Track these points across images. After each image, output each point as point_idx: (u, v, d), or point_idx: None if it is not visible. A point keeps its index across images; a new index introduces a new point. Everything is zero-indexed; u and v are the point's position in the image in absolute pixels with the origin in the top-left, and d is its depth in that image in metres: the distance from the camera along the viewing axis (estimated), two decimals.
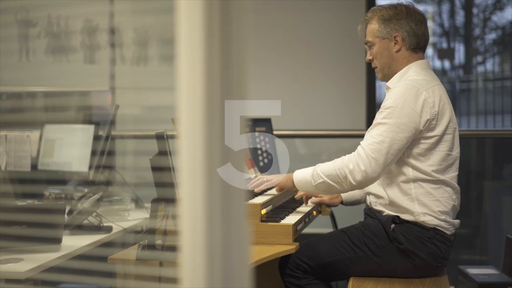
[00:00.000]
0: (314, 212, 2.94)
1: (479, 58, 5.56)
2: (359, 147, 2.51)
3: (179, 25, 0.92)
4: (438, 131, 2.50)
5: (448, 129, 2.52)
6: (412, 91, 2.48)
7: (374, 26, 2.63)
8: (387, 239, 2.54)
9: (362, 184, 2.49)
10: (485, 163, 4.97)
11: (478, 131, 5.00)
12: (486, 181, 4.83)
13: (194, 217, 0.92)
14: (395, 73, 2.63)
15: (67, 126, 3.71)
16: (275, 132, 4.08)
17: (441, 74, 5.53)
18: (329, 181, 2.51)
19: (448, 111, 2.52)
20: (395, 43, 2.61)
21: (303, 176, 2.60)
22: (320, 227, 3.63)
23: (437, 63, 5.63)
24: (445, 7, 5.68)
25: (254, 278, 2.92)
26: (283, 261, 2.65)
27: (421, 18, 2.64)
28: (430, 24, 5.79)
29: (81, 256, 2.53)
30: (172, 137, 2.52)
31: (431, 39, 5.71)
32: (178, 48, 0.93)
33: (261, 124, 3.50)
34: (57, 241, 2.46)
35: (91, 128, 3.52)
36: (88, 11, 4.26)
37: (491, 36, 5.51)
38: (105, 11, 4.29)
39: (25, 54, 4.24)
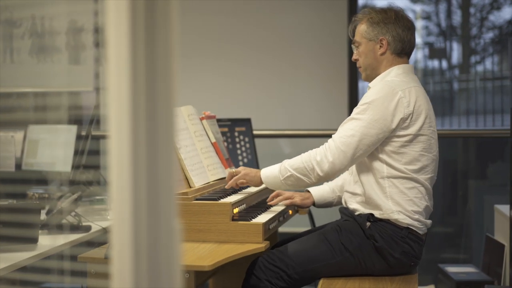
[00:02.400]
0: (290, 212, 2.96)
1: (476, 58, 5.58)
2: (329, 140, 2.58)
3: (107, 27, 0.95)
4: (412, 130, 2.54)
5: (423, 130, 2.56)
6: (388, 90, 2.55)
7: (363, 27, 2.71)
8: (363, 236, 2.57)
9: (329, 175, 2.56)
10: (471, 162, 5.00)
11: (463, 131, 5.02)
12: (470, 180, 4.85)
13: (121, 214, 0.94)
14: (378, 75, 2.69)
15: (50, 127, 3.73)
16: (258, 132, 4.11)
17: (438, 73, 5.56)
18: (296, 174, 2.57)
19: (424, 113, 2.56)
20: (380, 46, 2.67)
21: (270, 172, 2.65)
22: (299, 226, 3.65)
23: (435, 63, 5.65)
24: (442, 7, 5.69)
25: (224, 278, 2.92)
26: (251, 270, 2.60)
27: (408, 25, 2.70)
28: (427, 24, 5.82)
29: (57, 256, 2.54)
30: None
31: (429, 39, 5.72)
32: (107, 49, 0.95)
33: (241, 124, 3.52)
34: (33, 240, 2.48)
35: (73, 129, 3.55)
36: (73, 10, 4.28)
37: (488, 36, 5.54)
38: (90, 10, 4.30)
39: (9, 54, 4.25)
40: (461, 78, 5.48)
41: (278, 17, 4.51)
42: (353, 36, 2.75)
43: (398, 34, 2.66)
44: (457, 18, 5.63)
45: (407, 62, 2.72)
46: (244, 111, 4.07)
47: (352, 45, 2.76)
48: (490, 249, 3.59)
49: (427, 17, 5.68)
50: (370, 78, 2.72)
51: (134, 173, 0.93)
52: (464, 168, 4.98)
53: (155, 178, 0.95)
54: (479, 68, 5.50)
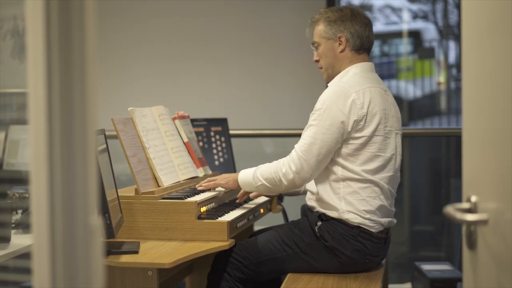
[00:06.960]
0: (262, 210, 2.99)
1: None
2: (293, 150, 2.59)
3: (28, 31, 0.98)
4: (366, 132, 2.55)
5: (378, 131, 2.56)
6: (341, 92, 2.55)
7: (320, 27, 2.73)
8: (314, 236, 2.61)
9: (296, 185, 2.58)
10: (453, 161, 5.03)
11: (446, 130, 5.05)
12: (452, 179, 4.89)
13: (39, 213, 0.97)
14: (338, 73, 2.70)
15: None
16: (237, 132, 4.13)
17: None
18: (266, 183, 2.61)
19: (379, 114, 2.57)
20: (339, 43, 2.69)
21: (246, 177, 2.68)
22: (274, 224, 3.67)
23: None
24: (439, 6, 5.71)
25: (197, 275, 2.94)
26: (216, 262, 2.69)
27: (366, 21, 2.73)
28: (425, 23, 5.84)
29: (29, 255, 2.57)
30: (111, 136, 2.59)
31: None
32: (27, 53, 0.98)
33: (217, 123, 3.54)
34: (6, 239, 2.50)
35: None
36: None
37: None
38: None
39: None
40: (458, 77, 5.50)
41: (257, 17, 4.53)
42: (312, 37, 2.78)
43: (356, 31, 2.68)
44: (454, 17, 5.65)
45: (367, 59, 2.74)
46: (225, 112, 4.10)
47: (312, 46, 2.79)
48: None
49: (424, 16, 5.70)
50: (331, 78, 2.73)
51: (50, 171, 0.96)
52: (447, 167, 5.01)
53: (72, 176, 0.98)
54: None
